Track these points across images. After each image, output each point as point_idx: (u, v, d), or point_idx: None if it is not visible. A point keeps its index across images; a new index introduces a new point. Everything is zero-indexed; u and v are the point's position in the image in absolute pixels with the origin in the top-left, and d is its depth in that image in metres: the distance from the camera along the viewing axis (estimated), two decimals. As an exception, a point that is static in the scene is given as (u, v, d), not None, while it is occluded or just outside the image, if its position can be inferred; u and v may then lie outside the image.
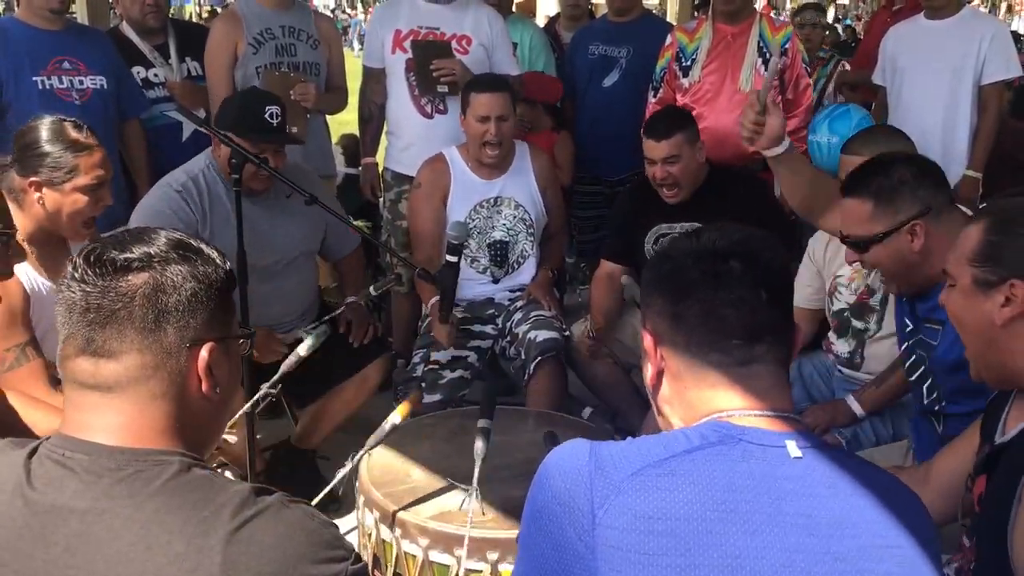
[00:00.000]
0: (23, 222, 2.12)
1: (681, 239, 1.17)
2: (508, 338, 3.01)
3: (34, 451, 1.04)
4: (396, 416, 1.93)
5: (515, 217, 3.09)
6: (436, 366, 2.85)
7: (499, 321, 3.08)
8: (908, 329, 2.03)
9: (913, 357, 2.03)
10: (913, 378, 2.05)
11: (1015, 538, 1.31)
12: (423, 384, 2.80)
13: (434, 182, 3.07)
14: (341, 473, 1.93)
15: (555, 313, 3.01)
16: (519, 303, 3.07)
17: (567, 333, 2.97)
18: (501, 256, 3.11)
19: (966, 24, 3.57)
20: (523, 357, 2.87)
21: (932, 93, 3.56)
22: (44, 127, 2.13)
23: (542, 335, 2.85)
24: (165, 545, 0.95)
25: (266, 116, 2.55)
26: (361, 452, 1.93)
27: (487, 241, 3.08)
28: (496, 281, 3.14)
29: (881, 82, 3.79)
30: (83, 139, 2.15)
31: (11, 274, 1.81)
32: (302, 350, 2.14)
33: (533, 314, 2.97)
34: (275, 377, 2.09)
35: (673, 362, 1.12)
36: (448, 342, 2.82)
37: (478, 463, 1.78)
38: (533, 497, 1.07)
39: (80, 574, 0.96)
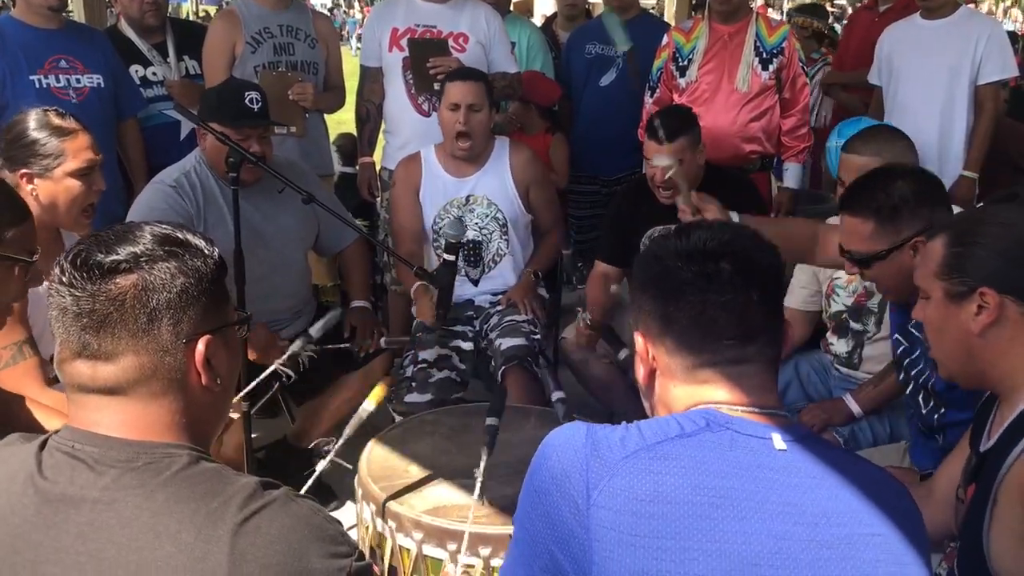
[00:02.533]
0: None
1: (670, 238, 1.16)
2: (485, 342, 2.98)
3: (44, 443, 1.05)
4: (370, 403, 1.93)
5: (487, 216, 3.03)
6: (424, 365, 2.83)
7: (477, 324, 3.04)
8: (902, 348, 2.03)
9: (912, 371, 2.02)
10: (909, 391, 2.05)
11: (991, 538, 1.33)
12: (414, 384, 2.79)
13: (406, 179, 3.05)
14: (321, 464, 1.93)
15: (529, 318, 2.95)
16: (498, 307, 3.03)
17: (537, 336, 2.91)
18: (475, 256, 3.06)
19: (963, 24, 3.56)
20: (493, 364, 2.85)
21: (929, 93, 3.55)
22: (28, 119, 2.13)
23: (507, 343, 2.81)
24: (174, 534, 0.96)
25: (246, 102, 2.56)
26: (339, 442, 1.93)
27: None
28: (475, 283, 3.10)
29: (877, 82, 3.79)
30: (67, 124, 2.14)
31: (24, 296, 1.80)
32: (313, 331, 2.15)
33: (505, 320, 2.93)
34: (283, 356, 2.08)
35: (664, 362, 1.14)
36: (431, 319, 2.76)
37: (484, 458, 1.76)
38: (530, 477, 1.09)
39: (91, 562, 0.97)
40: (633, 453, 1.03)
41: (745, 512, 1.00)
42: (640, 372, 1.19)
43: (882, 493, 1.06)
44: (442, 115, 2.96)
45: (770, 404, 1.11)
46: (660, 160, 2.73)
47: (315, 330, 2.17)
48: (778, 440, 1.06)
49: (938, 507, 1.56)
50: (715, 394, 1.10)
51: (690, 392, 1.12)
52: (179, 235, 1.10)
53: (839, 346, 2.59)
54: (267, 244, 2.73)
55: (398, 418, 2.71)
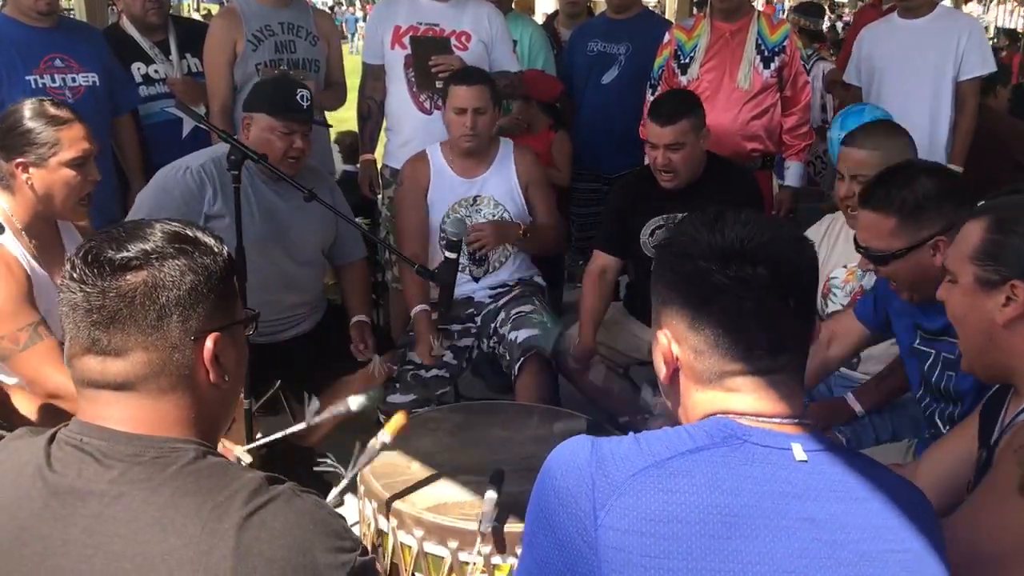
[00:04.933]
0: (17, 210, 2.12)
1: (701, 231, 1.08)
2: (495, 338, 2.99)
3: (53, 437, 1.06)
4: (386, 435, 1.88)
5: (494, 216, 3.05)
6: (412, 367, 2.85)
7: (478, 320, 3.06)
8: (930, 360, 1.97)
9: (932, 377, 1.98)
10: (927, 414, 2.02)
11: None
12: (397, 385, 2.80)
13: (414, 179, 3.07)
14: (335, 491, 1.87)
15: (538, 307, 2.98)
16: (501, 302, 3.04)
17: (549, 326, 2.92)
18: (480, 255, 3.09)
19: (942, 22, 3.60)
20: (508, 358, 2.86)
21: (914, 91, 3.57)
22: (24, 108, 2.13)
23: (522, 334, 2.82)
24: (180, 528, 0.97)
25: (298, 98, 2.65)
26: (353, 471, 1.88)
27: (466, 240, 3.05)
28: (477, 280, 3.11)
29: (856, 82, 3.80)
30: (62, 114, 2.14)
31: None
32: (353, 404, 2.07)
33: (514, 312, 2.95)
34: (302, 425, 2.04)
35: (688, 363, 1.09)
36: (429, 361, 2.82)
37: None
38: (536, 496, 1.06)
39: (98, 554, 0.97)
40: (641, 470, 0.99)
41: (759, 531, 0.97)
42: (662, 371, 1.14)
43: (904, 505, 1.03)
44: (448, 117, 2.98)
45: (795, 413, 1.07)
46: None
47: (355, 404, 2.11)
48: (799, 451, 1.03)
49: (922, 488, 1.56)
50: (738, 403, 1.06)
51: (712, 398, 1.08)
52: (189, 233, 1.11)
53: (838, 344, 2.58)
54: (289, 237, 2.76)
55: (383, 418, 2.72)
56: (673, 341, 1.10)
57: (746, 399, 1.06)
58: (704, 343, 1.06)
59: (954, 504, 1.46)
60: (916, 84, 3.56)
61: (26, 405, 2.00)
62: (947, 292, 1.49)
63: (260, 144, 2.58)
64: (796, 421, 1.06)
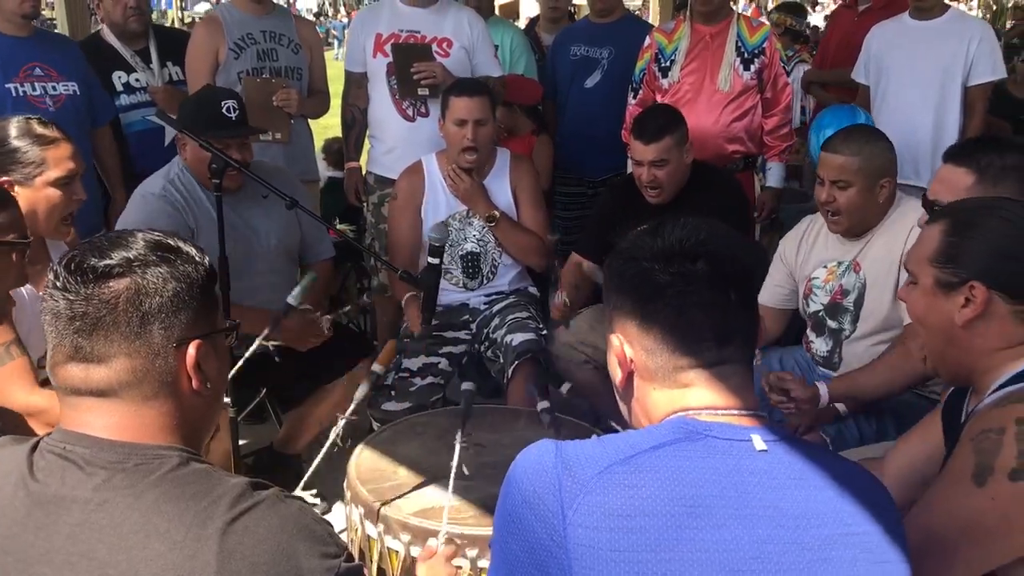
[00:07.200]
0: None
1: (644, 237, 1.15)
2: (487, 343, 2.99)
3: (35, 446, 1.07)
4: (378, 367, 2.00)
5: (485, 228, 3.05)
6: (407, 374, 2.84)
7: (473, 326, 3.06)
8: None
9: None
10: None
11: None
12: (393, 392, 2.79)
13: (409, 194, 3.06)
14: (334, 432, 2.00)
15: (533, 314, 2.99)
16: (495, 308, 3.05)
17: (544, 332, 2.94)
18: (473, 267, 3.09)
19: (954, 25, 3.58)
20: (501, 361, 2.87)
21: (922, 93, 3.56)
22: (10, 126, 2.12)
23: (518, 338, 2.83)
24: (164, 533, 0.98)
25: (223, 111, 2.54)
26: (351, 406, 2.02)
27: (459, 253, 3.06)
28: (471, 292, 3.12)
29: (863, 80, 3.78)
30: (49, 133, 2.13)
31: (26, 280, 1.80)
32: (291, 298, 2.20)
33: (509, 318, 2.95)
34: (266, 330, 2.12)
35: (643, 364, 1.13)
36: (419, 329, 2.76)
37: (459, 431, 1.79)
38: (503, 501, 1.08)
39: (82, 561, 0.98)
40: (606, 468, 1.02)
41: (724, 519, 1.00)
42: (617, 375, 1.17)
43: (860, 491, 1.06)
44: (447, 129, 2.96)
45: (750, 405, 1.11)
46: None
47: (293, 297, 2.17)
48: (759, 441, 1.06)
49: (889, 483, 1.57)
50: (695, 398, 1.10)
51: (670, 396, 1.11)
52: (171, 242, 1.12)
53: (819, 344, 2.59)
54: (253, 251, 2.72)
55: (376, 424, 2.72)
56: (625, 343, 1.14)
57: (702, 393, 1.10)
58: (654, 341, 1.11)
59: (916, 497, 1.47)
60: (923, 86, 3.55)
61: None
62: (907, 293, 1.51)
63: (198, 161, 2.53)
64: (752, 413, 1.11)
